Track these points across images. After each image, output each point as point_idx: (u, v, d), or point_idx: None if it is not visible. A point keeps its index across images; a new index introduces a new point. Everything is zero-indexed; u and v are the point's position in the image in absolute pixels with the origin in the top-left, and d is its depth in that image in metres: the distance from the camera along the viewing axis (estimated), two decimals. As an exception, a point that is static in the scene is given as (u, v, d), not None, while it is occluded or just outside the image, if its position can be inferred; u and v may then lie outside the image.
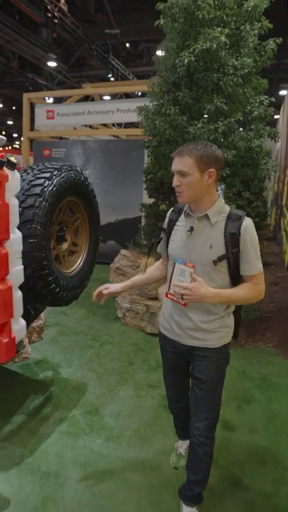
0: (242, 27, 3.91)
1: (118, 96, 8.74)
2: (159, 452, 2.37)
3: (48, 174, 2.04)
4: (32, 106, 7.54)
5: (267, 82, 4.14)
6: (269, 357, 3.69)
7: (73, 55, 15.05)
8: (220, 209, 1.65)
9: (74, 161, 6.57)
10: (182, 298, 1.57)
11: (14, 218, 1.71)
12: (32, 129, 7.49)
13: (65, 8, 10.75)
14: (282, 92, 13.25)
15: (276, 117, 13.44)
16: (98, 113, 6.67)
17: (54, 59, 13.99)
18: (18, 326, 1.86)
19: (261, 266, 1.65)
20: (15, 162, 1.66)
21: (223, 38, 3.56)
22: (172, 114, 3.79)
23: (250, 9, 3.88)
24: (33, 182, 1.98)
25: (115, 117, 6.62)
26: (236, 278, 1.65)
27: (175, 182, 1.63)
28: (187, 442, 2.15)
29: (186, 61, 3.63)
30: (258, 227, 7.25)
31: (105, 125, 8.31)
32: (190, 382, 1.94)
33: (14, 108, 20.60)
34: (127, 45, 15.08)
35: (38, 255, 1.92)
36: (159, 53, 10.52)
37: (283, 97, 11.31)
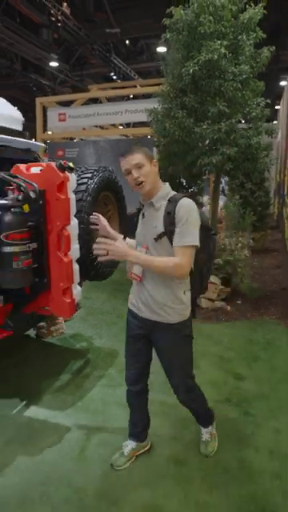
0: (239, 37, 4.52)
1: (125, 98, 9.32)
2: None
3: (90, 175, 2.67)
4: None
5: (264, 85, 4.74)
6: (272, 326, 4.33)
7: (73, 54, 15.56)
8: (165, 195, 1.94)
9: (86, 160, 7.21)
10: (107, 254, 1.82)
11: (73, 209, 2.34)
12: (44, 131, 8.13)
13: (67, 11, 11.32)
14: (283, 83, 13.66)
15: (277, 107, 13.94)
16: (107, 114, 7.30)
17: (55, 59, 14.53)
18: (76, 290, 2.49)
19: (188, 242, 1.82)
20: (73, 167, 2.29)
21: (223, 50, 4.17)
22: (180, 117, 4.41)
23: (245, 21, 4.48)
24: (79, 181, 2.61)
25: (124, 117, 7.24)
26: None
27: (135, 175, 1.87)
28: (132, 444, 2.36)
29: (191, 70, 4.25)
30: (262, 216, 7.95)
31: (113, 125, 8.92)
32: (149, 365, 2.24)
33: (16, 108, 21.20)
34: (127, 42, 15.62)
35: (87, 238, 2.55)
36: (159, 49, 11.06)
37: (283, 87, 11.79)
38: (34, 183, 2.18)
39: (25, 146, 3.12)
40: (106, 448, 2.45)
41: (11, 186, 2.27)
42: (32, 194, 2.15)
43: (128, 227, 3.28)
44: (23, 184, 2.15)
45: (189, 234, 1.83)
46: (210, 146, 4.44)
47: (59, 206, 2.23)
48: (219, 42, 4.21)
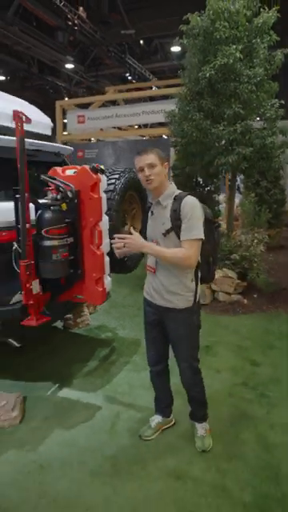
0: (254, 41, 4.76)
1: (142, 99, 9.60)
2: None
3: (117, 176, 2.96)
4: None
5: (277, 86, 4.95)
6: (287, 318, 4.55)
7: (88, 56, 15.88)
8: (171, 193, 2.16)
9: (105, 160, 7.52)
10: (124, 247, 2.10)
11: (104, 207, 2.62)
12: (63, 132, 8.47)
13: (83, 15, 11.65)
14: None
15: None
16: (125, 115, 7.59)
17: (70, 61, 14.88)
18: (107, 280, 2.78)
19: (194, 235, 2.06)
20: (104, 169, 2.57)
21: (238, 54, 4.41)
22: (197, 119, 4.67)
23: (259, 24, 4.71)
24: (108, 182, 2.89)
25: (141, 118, 7.53)
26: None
27: (147, 173, 2.11)
28: (159, 418, 2.65)
29: (208, 74, 4.50)
30: (277, 213, 8.13)
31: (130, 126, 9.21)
32: (167, 348, 2.49)
33: (32, 110, 21.72)
34: (141, 42, 15.87)
35: (115, 233, 2.83)
36: (174, 49, 11.32)
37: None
38: (70, 184, 2.48)
39: (55, 149, 3.43)
40: (134, 423, 2.73)
41: (49, 186, 2.58)
42: (69, 194, 2.45)
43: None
44: (62, 185, 2.45)
45: (194, 229, 2.07)
46: (226, 146, 4.68)
47: (92, 204, 2.52)
48: (234, 46, 4.45)
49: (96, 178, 2.51)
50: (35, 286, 2.41)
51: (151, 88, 12.35)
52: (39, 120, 3.48)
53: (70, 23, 11.62)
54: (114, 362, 3.61)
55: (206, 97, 4.75)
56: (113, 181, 2.94)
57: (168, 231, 2.13)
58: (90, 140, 9.01)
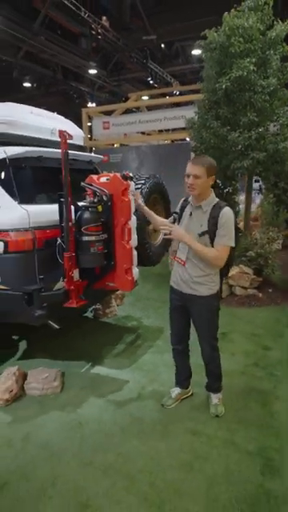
0: (267, 52, 5.21)
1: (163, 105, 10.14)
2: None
3: (143, 181, 3.50)
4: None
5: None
6: (298, 310, 4.99)
7: (111, 60, 16.50)
8: (211, 201, 2.57)
9: (129, 164, 8.08)
10: (169, 234, 2.61)
11: (132, 208, 3.15)
12: (90, 138, 9.10)
13: (106, 24, 12.27)
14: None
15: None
16: (147, 121, 8.14)
17: (93, 67, 15.53)
18: (135, 271, 3.31)
19: (227, 242, 2.53)
20: (132, 176, 3.10)
21: (251, 67, 4.88)
22: (215, 126, 5.15)
23: (273, 37, 5.17)
24: (135, 187, 3.42)
25: (163, 124, 8.06)
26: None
27: (190, 181, 2.50)
28: (178, 390, 3.12)
29: (224, 86, 4.99)
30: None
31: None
32: (188, 330, 2.97)
33: (55, 113, 22.58)
34: (162, 46, 16.39)
35: (141, 231, 3.36)
36: (195, 52, 11.79)
37: None
38: (105, 189, 3.03)
39: (88, 158, 4.00)
40: (158, 394, 3.24)
41: (86, 191, 3.14)
42: (104, 198, 3.00)
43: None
44: (98, 190, 3.00)
45: (228, 237, 2.53)
46: (242, 151, 5.15)
47: (123, 206, 3.06)
48: (248, 59, 4.92)
49: (126, 184, 3.05)
50: (76, 274, 2.97)
51: (173, 93, 12.85)
52: (74, 133, 4.03)
53: (93, 32, 12.24)
54: (140, 346, 4.14)
55: (223, 106, 5.23)
56: (139, 186, 3.48)
57: (204, 233, 2.55)
58: (113, 145, 9.59)
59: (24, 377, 3.40)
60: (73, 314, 3.16)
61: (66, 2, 10.31)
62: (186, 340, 3.05)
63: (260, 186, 12.56)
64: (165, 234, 2.71)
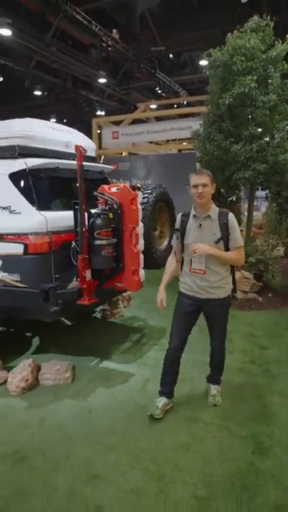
0: (268, 70, 5.58)
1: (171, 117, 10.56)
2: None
3: (150, 191, 3.87)
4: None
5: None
6: (297, 314, 5.30)
7: (120, 70, 17.00)
8: (216, 209, 2.85)
9: (137, 173, 8.46)
10: (194, 252, 2.74)
11: (140, 216, 3.50)
12: (99, 147, 9.51)
13: (116, 36, 12.76)
14: None
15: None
16: (155, 132, 8.54)
17: (103, 76, 16.02)
18: (141, 272, 3.66)
19: (240, 243, 2.85)
20: (140, 186, 3.46)
21: (253, 84, 5.25)
22: (218, 139, 5.52)
23: (273, 56, 5.54)
24: (143, 196, 3.79)
25: (170, 134, 8.46)
26: (228, 251, 2.87)
27: (200, 190, 2.72)
28: (164, 400, 3.14)
29: (227, 101, 5.36)
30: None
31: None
32: (187, 337, 3.14)
33: (65, 121, 23.18)
34: (170, 56, 16.87)
35: (148, 236, 3.71)
36: (202, 62, 12.18)
37: None
38: (115, 198, 3.40)
39: (99, 169, 4.38)
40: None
41: (98, 200, 3.51)
42: (114, 206, 3.37)
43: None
44: (109, 199, 3.37)
45: (239, 238, 2.87)
46: (244, 162, 5.50)
47: (131, 213, 3.42)
48: (250, 77, 5.29)
49: (134, 193, 3.42)
50: (88, 274, 3.33)
51: (181, 103, 13.27)
52: (86, 145, 4.42)
53: (104, 44, 12.72)
54: (145, 344, 4.48)
55: (226, 120, 5.60)
56: (146, 195, 3.84)
57: (219, 240, 2.80)
58: (121, 154, 10.01)
59: (38, 368, 3.74)
60: (84, 311, 3.49)
61: (77, 17, 10.76)
62: (183, 348, 3.19)
63: (266, 194, 12.90)
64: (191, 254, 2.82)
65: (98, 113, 19.31)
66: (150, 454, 2.72)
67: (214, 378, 3.37)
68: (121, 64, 16.27)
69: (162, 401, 3.18)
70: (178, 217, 3.02)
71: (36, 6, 10.88)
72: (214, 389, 3.35)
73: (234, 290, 3.09)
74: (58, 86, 16.53)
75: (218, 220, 2.83)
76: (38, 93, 16.85)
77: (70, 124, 4.90)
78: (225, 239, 2.83)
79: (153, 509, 2.27)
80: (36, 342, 4.58)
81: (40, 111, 21.14)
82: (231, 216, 2.87)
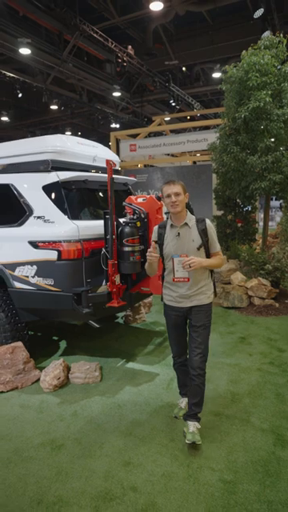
0: (282, 84, 5.89)
1: (187, 130, 10.95)
2: (229, 355, 4.34)
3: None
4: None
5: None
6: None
7: (134, 83, 17.51)
8: (191, 217, 2.90)
9: (154, 184, 8.81)
10: (189, 266, 2.71)
11: (164, 224, 3.82)
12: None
13: (131, 52, 13.27)
14: None
15: None
16: (171, 144, 8.89)
17: (117, 90, 16.54)
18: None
19: (219, 247, 2.93)
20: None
21: (268, 98, 5.56)
22: (235, 151, 5.82)
23: (287, 71, 5.85)
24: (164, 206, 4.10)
25: (186, 146, 8.80)
26: (208, 256, 2.91)
27: (173, 199, 2.77)
28: (186, 399, 3.25)
29: (243, 115, 5.67)
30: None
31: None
32: (186, 341, 3.12)
33: (79, 133, 23.82)
34: (183, 69, 17.36)
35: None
36: (215, 75, 12.65)
37: None
38: (142, 208, 3.71)
39: (123, 181, 4.71)
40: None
41: (125, 209, 3.83)
42: (142, 215, 3.68)
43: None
44: (137, 209, 3.69)
45: (218, 243, 2.95)
46: (260, 173, 5.79)
47: (157, 222, 3.72)
48: (265, 92, 5.61)
49: (160, 204, 3.73)
50: (117, 279, 3.63)
51: (195, 116, 13.63)
52: (112, 158, 4.77)
53: (119, 60, 13.22)
54: (167, 347, 4.74)
55: (242, 133, 5.91)
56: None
57: (200, 246, 2.85)
58: (137, 166, 10.38)
59: (68, 368, 4.03)
60: (114, 312, 3.77)
61: (94, 35, 11.27)
62: (186, 351, 3.21)
63: (280, 203, 13.14)
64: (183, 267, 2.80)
65: (113, 125, 19.87)
66: (178, 444, 2.97)
67: (193, 410, 3.03)
68: (135, 77, 16.80)
69: (183, 401, 3.37)
70: (155, 228, 3.07)
71: (55, 26, 11.42)
72: (192, 425, 2.99)
73: (214, 294, 3.10)
74: (73, 101, 17.11)
75: (196, 227, 2.88)
76: (54, 107, 17.44)
77: (84, 137, 5.21)
78: (205, 245, 2.89)
79: (183, 489, 2.52)
80: (63, 345, 4.88)
81: (56, 125, 21.86)
82: (208, 222, 2.93)
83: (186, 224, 2.90)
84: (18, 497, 2.50)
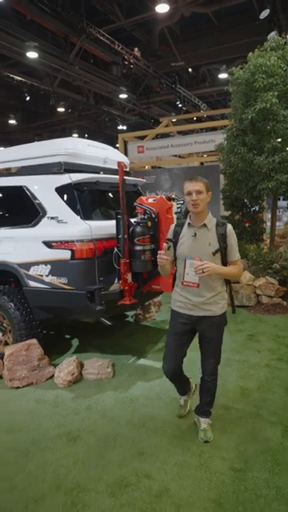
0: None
1: (194, 131, 11.10)
2: (238, 352, 4.46)
3: (182, 201, 4.30)
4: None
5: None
6: None
7: (140, 85, 17.66)
8: (212, 219, 2.70)
9: (162, 185, 8.95)
10: (202, 272, 2.50)
11: (174, 224, 3.97)
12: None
13: (138, 54, 13.44)
14: None
15: None
16: (179, 145, 9.04)
17: (124, 91, 16.71)
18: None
19: (239, 255, 2.72)
20: (175, 197, 3.91)
21: (274, 99, 5.68)
22: (242, 152, 5.95)
23: (293, 72, 5.97)
24: (176, 206, 4.24)
25: (193, 148, 8.94)
26: (225, 264, 2.70)
27: (194, 197, 2.56)
28: (184, 397, 3.37)
29: (250, 116, 5.80)
30: None
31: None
32: (186, 351, 3.06)
33: (86, 136, 24.03)
34: (190, 70, 17.49)
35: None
36: (221, 76, 12.81)
37: None
38: (153, 208, 3.86)
39: (133, 182, 4.86)
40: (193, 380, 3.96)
41: (136, 210, 3.98)
42: (152, 215, 3.83)
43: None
44: (148, 209, 3.84)
45: (238, 252, 2.74)
46: (267, 173, 5.91)
47: (167, 222, 3.86)
48: (271, 93, 5.73)
49: (170, 204, 3.87)
50: (129, 277, 3.78)
51: (202, 117, 13.76)
52: (123, 160, 4.92)
53: (126, 62, 13.40)
54: (176, 344, 4.87)
55: (249, 134, 6.03)
56: (179, 205, 4.30)
57: (217, 251, 2.65)
58: (145, 167, 10.55)
59: (81, 365, 4.18)
60: (125, 310, 3.92)
61: (100, 37, 11.45)
62: (180, 367, 3.11)
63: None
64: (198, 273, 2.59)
65: (120, 127, 20.05)
66: (190, 436, 3.10)
67: (204, 409, 3.08)
68: (141, 79, 16.94)
69: (182, 398, 3.42)
70: (172, 226, 2.92)
71: (61, 29, 11.62)
72: (203, 422, 3.08)
73: (232, 305, 2.96)
74: (80, 103, 17.31)
75: (214, 230, 2.69)
76: (61, 109, 17.67)
77: (91, 139, 5.34)
78: (222, 251, 2.69)
79: (195, 477, 2.65)
80: (76, 343, 5.04)
81: (62, 127, 22.09)
82: (230, 228, 2.72)
83: (204, 225, 2.70)
84: (38, 483, 2.65)
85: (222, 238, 2.68)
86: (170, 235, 2.89)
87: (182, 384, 3.33)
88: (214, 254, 2.66)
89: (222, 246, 2.67)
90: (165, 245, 2.74)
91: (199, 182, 2.63)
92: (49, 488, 2.60)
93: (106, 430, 3.22)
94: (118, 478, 2.67)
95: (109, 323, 4.18)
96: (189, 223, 2.77)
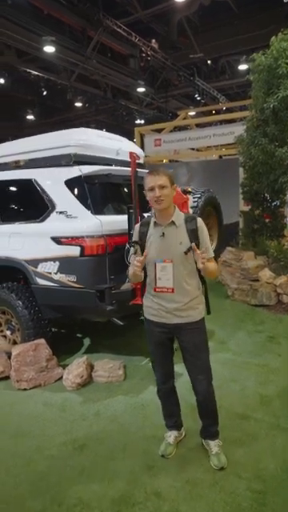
0: (312, 73, 5.62)
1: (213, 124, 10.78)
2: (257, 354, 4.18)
3: (199, 195, 4.04)
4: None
5: None
6: None
7: (158, 78, 17.33)
8: (178, 215, 2.41)
9: (179, 178, 8.66)
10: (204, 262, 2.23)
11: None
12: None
13: (156, 46, 13.12)
14: None
15: None
16: (197, 138, 8.72)
17: (141, 85, 16.41)
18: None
19: (213, 252, 2.44)
20: (191, 190, 3.65)
21: (298, 87, 5.32)
22: (263, 143, 5.62)
23: None
24: (193, 200, 3.97)
25: (212, 140, 8.61)
26: (196, 264, 2.35)
27: (157, 193, 2.27)
28: (175, 433, 2.83)
29: (272, 105, 5.46)
30: None
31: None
32: (173, 363, 2.79)
33: (104, 130, 23.83)
34: (208, 62, 17.04)
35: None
36: (241, 67, 12.42)
37: None
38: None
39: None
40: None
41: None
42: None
43: (223, 234, 4.58)
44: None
45: (211, 248, 2.47)
46: (289, 166, 5.57)
47: (182, 216, 3.61)
48: (295, 80, 5.37)
49: (186, 197, 3.61)
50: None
51: (220, 110, 13.40)
52: (137, 152, 4.66)
53: (143, 55, 13.10)
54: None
55: (271, 124, 5.69)
56: (196, 199, 4.03)
57: (188, 249, 2.34)
58: (162, 161, 10.26)
59: (91, 366, 3.97)
60: (138, 310, 3.69)
61: (118, 30, 11.18)
62: (172, 377, 2.89)
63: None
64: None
65: (137, 121, 19.76)
66: (203, 449, 2.84)
67: (211, 429, 2.75)
68: (159, 72, 16.62)
69: (171, 435, 2.85)
70: (136, 227, 2.60)
71: (78, 22, 11.40)
72: (214, 445, 2.70)
73: (207, 306, 2.62)
74: (98, 97, 17.10)
75: (184, 226, 2.41)
76: (78, 104, 17.50)
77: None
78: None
79: (208, 498, 2.40)
80: (87, 342, 4.84)
81: (80, 121, 21.95)
82: (200, 221, 2.46)
83: (172, 223, 2.41)
84: (39, 496, 2.45)
85: (193, 233, 2.39)
86: (135, 237, 2.56)
87: (170, 405, 2.91)
88: (186, 253, 2.37)
89: (195, 242, 2.35)
90: (132, 249, 2.45)
91: (162, 176, 2.33)
92: (50, 502, 2.40)
93: (114, 438, 3.01)
94: (125, 494, 2.45)
95: (120, 323, 3.96)
96: (155, 222, 2.48)
